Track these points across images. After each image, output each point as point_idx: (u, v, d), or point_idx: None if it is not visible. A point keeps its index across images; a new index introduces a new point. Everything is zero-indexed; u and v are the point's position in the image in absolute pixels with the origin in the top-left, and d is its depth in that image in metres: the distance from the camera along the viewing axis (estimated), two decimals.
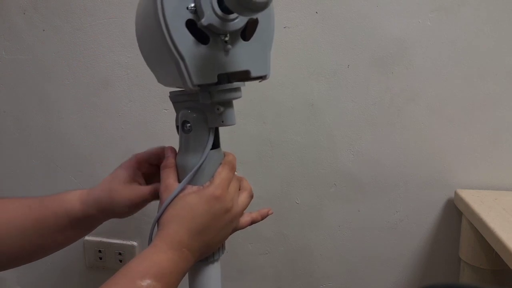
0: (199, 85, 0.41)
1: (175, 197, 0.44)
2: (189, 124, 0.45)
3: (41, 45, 0.89)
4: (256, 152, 0.84)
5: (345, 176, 0.82)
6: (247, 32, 0.43)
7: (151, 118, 0.85)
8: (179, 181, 0.46)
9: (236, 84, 0.44)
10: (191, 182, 0.45)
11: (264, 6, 0.34)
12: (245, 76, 0.44)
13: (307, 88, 0.80)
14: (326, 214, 0.85)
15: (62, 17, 0.86)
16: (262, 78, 0.45)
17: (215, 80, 0.42)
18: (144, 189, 0.48)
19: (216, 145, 0.47)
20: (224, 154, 0.49)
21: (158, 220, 0.45)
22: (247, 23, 0.42)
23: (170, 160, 0.48)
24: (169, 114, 0.84)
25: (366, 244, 0.84)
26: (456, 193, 0.77)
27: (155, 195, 0.48)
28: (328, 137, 0.81)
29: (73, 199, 0.49)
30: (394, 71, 0.76)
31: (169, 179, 0.46)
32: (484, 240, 0.64)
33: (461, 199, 0.74)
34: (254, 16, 0.42)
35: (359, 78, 0.78)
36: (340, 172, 0.82)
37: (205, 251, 0.45)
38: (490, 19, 0.72)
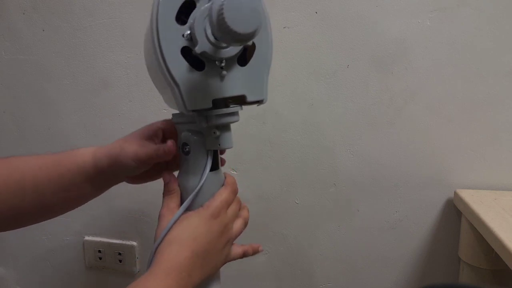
0: (193, 110, 0.42)
1: (176, 220, 0.44)
2: (188, 147, 0.46)
3: (41, 45, 0.89)
4: (256, 152, 0.84)
5: (345, 176, 0.82)
6: (248, 56, 0.44)
7: (151, 118, 0.85)
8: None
9: (231, 109, 0.44)
10: (191, 205, 0.45)
11: (248, 38, 0.34)
12: (242, 100, 0.44)
13: (306, 88, 0.80)
14: (326, 214, 0.85)
15: (62, 17, 0.86)
16: (259, 102, 0.45)
17: (210, 105, 0.42)
18: (150, 145, 0.48)
19: (214, 167, 0.47)
20: (225, 176, 0.49)
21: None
22: (246, 48, 0.43)
23: (173, 185, 0.47)
24: (168, 114, 0.84)
25: (366, 244, 0.84)
26: (455, 193, 0.77)
27: (159, 154, 0.47)
28: (327, 137, 0.81)
29: (86, 153, 0.49)
30: (394, 71, 0.76)
31: (172, 203, 0.46)
32: (484, 240, 0.64)
33: (461, 199, 0.74)
34: (241, 46, 0.42)
35: (359, 78, 0.78)
36: (339, 172, 0.82)
37: (202, 275, 0.44)
38: (490, 19, 0.72)
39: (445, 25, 0.73)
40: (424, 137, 0.78)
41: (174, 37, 0.40)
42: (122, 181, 0.51)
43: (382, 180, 0.81)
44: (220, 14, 0.33)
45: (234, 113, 0.45)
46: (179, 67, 0.41)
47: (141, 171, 0.49)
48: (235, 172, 0.86)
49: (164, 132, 0.51)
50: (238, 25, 0.33)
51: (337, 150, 0.81)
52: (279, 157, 0.84)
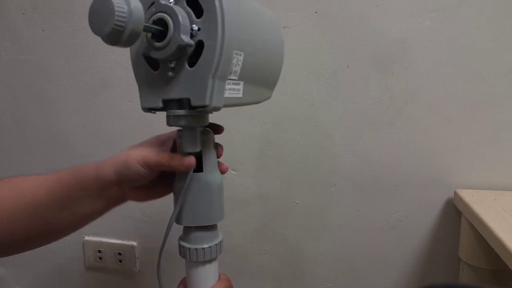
0: (148, 109, 0.42)
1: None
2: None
3: (41, 45, 0.89)
4: (256, 152, 0.84)
5: (345, 176, 0.82)
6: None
7: (151, 118, 0.85)
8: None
9: (174, 111, 0.41)
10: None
11: (108, 40, 0.34)
12: (189, 103, 0.40)
13: (306, 88, 0.80)
14: (326, 214, 0.85)
15: (62, 17, 0.86)
16: (203, 107, 0.39)
17: (159, 105, 0.42)
18: (161, 152, 0.45)
19: (199, 169, 0.45)
20: (220, 275, 0.49)
21: None
22: (196, 48, 0.39)
23: None
24: None
25: (366, 244, 0.84)
26: (455, 193, 0.77)
27: (174, 164, 0.44)
28: (327, 137, 0.81)
29: (88, 166, 0.47)
30: (394, 71, 0.76)
31: None
32: (484, 240, 0.64)
33: (461, 199, 0.74)
34: (124, 47, 0.38)
35: (359, 78, 0.78)
36: (339, 172, 0.82)
37: None
38: (490, 19, 0.72)
39: (445, 25, 0.73)
40: (424, 137, 0.78)
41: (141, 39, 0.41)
42: (125, 199, 0.48)
43: (382, 180, 0.81)
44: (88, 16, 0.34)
45: (181, 117, 0.41)
46: (141, 68, 0.42)
47: (147, 179, 0.45)
48: (235, 172, 0.86)
49: (174, 142, 0.49)
50: (95, 28, 0.33)
51: (337, 150, 0.81)
52: (279, 157, 0.84)
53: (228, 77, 0.40)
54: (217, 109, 0.40)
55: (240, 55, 0.40)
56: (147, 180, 0.45)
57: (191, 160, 0.43)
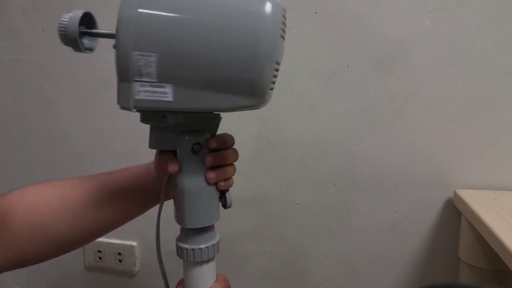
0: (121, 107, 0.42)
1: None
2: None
3: (41, 45, 0.89)
4: (256, 152, 0.84)
5: (345, 176, 0.82)
6: None
7: None
8: None
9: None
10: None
11: (67, 44, 0.38)
12: None
13: (306, 88, 0.80)
14: (326, 214, 0.85)
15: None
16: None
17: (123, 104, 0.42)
18: (168, 153, 0.46)
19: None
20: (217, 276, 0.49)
21: None
22: None
23: None
24: None
25: (366, 244, 0.84)
26: (455, 193, 0.77)
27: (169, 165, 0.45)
28: (327, 137, 0.81)
29: (126, 169, 0.50)
30: (394, 71, 0.76)
31: None
32: (483, 240, 0.64)
33: (460, 199, 0.74)
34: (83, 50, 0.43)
35: (359, 78, 0.78)
36: (339, 172, 0.82)
37: None
38: (489, 19, 0.72)
39: (445, 25, 0.73)
40: (424, 137, 0.78)
41: None
42: (156, 201, 0.50)
43: (382, 180, 0.81)
44: None
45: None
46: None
47: (160, 181, 0.47)
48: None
49: None
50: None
51: (337, 150, 0.81)
52: (279, 157, 0.84)
53: (136, 79, 0.40)
54: (127, 109, 0.41)
55: (151, 56, 0.38)
56: (160, 181, 0.47)
57: (174, 166, 0.44)
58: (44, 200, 0.46)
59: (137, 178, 0.49)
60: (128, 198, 0.49)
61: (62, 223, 0.46)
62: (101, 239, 0.95)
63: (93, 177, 0.49)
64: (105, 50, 0.87)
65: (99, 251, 0.96)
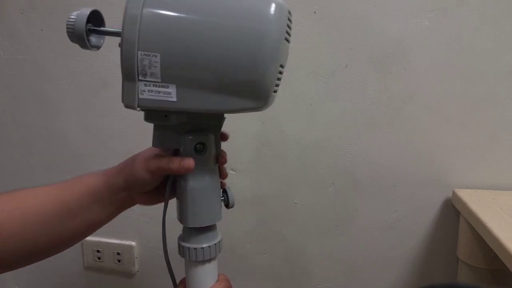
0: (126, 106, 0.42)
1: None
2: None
3: (40, 45, 0.89)
4: (255, 152, 0.85)
5: (343, 176, 0.82)
6: None
7: None
8: None
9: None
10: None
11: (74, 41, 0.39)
12: None
13: (305, 88, 0.80)
14: (325, 214, 0.85)
15: (60, 16, 0.86)
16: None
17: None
18: (162, 156, 0.45)
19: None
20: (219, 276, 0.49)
21: None
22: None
23: None
24: None
25: (364, 243, 0.84)
26: (454, 193, 0.77)
27: (173, 166, 0.44)
28: (326, 137, 0.81)
29: (96, 173, 0.48)
30: (392, 71, 0.76)
31: None
32: (482, 240, 0.64)
33: (459, 199, 0.74)
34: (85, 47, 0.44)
35: (357, 78, 0.78)
36: (338, 172, 0.82)
37: None
38: (489, 19, 0.72)
39: (444, 25, 0.73)
40: (422, 137, 0.78)
41: None
42: (134, 202, 0.48)
43: (381, 180, 0.81)
44: None
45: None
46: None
47: (152, 185, 0.45)
48: (234, 172, 0.86)
49: None
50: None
51: (336, 150, 0.81)
52: (278, 157, 0.84)
53: (140, 78, 0.40)
54: (131, 107, 0.41)
55: (155, 56, 0.38)
56: (153, 185, 0.45)
57: (190, 162, 0.43)
58: (8, 213, 0.44)
59: (109, 183, 0.47)
60: (92, 208, 0.47)
61: (29, 237, 0.45)
62: (100, 239, 0.95)
63: (63, 186, 0.47)
64: (104, 50, 0.86)
65: (98, 251, 0.96)
